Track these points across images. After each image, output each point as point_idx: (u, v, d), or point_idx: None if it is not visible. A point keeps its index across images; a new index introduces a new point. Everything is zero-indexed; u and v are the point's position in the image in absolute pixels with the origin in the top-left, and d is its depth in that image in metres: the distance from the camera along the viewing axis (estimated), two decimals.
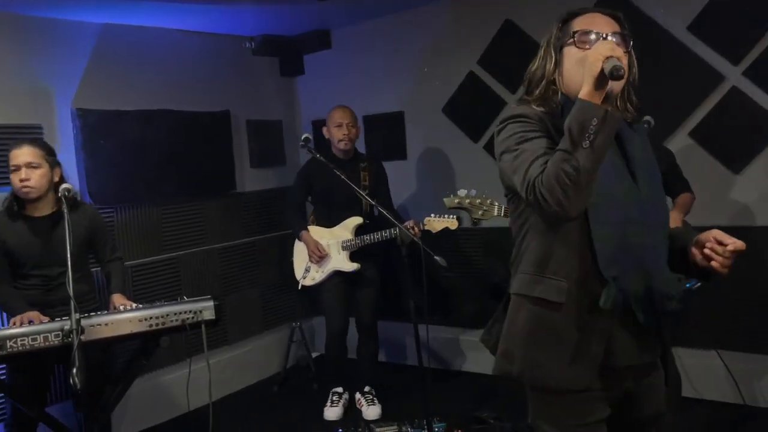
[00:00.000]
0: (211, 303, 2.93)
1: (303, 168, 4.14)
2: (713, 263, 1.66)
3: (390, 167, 4.28)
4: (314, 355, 4.98)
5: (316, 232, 4.00)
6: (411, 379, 4.38)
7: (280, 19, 4.51)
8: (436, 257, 3.11)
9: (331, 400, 4.08)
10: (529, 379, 1.80)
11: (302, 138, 3.55)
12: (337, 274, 3.94)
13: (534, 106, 1.78)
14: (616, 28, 1.74)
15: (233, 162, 4.72)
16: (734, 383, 3.51)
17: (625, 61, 1.57)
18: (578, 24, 1.75)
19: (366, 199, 3.50)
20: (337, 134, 3.92)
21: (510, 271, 1.89)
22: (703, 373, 3.75)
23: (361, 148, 4.66)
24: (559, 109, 1.75)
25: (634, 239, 1.70)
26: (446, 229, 3.67)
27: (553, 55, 1.77)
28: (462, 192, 3.22)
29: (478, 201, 3.17)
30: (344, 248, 3.92)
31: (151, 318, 2.81)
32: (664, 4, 3.75)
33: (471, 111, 4.48)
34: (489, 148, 4.42)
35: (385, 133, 4.82)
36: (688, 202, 3.27)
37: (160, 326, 2.83)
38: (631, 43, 1.74)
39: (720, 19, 3.60)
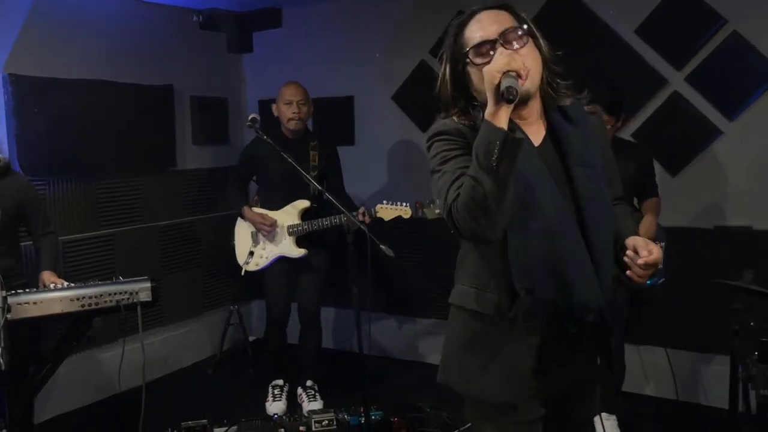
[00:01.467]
0: (148, 284, 2.84)
1: (247, 147, 4.00)
2: (628, 272, 1.64)
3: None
4: (251, 339, 4.91)
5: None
6: (353, 367, 4.37)
7: None
8: (381, 246, 3.09)
9: (273, 394, 3.94)
10: (462, 389, 1.80)
11: (249, 118, 3.45)
12: (282, 260, 3.79)
13: (456, 119, 1.72)
14: (506, 20, 1.65)
15: (174, 138, 4.58)
16: (673, 380, 3.63)
17: (522, 66, 1.53)
18: (469, 33, 1.67)
19: (313, 184, 3.40)
20: (287, 112, 3.73)
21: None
22: (648, 369, 3.89)
23: None
24: (482, 119, 1.66)
25: (556, 250, 1.63)
26: (399, 218, 3.57)
27: (454, 73, 1.70)
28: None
29: None
30: (291, 233, 3.76)
31: (83, 298, 2.70)
32: (615, 6, 3.83)
33: (421, 100, 4.45)
34: None
35: (334, 118, 4.76)
36: (656, 205, 3.33)
37: (93, 307, 2.72)
38: (527, 27, 1.65)
39: (666, 25, 3.71)
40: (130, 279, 2.85)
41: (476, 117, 1.68)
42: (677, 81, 3.73)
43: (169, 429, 3.37)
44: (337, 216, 3.55)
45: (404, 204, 3.58)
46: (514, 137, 1.48)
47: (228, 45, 5.04)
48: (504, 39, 1.63)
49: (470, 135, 1.65)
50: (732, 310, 2.56)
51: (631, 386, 3.82)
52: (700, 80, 3.67)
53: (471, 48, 1.65)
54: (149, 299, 2.83)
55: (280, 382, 3.99)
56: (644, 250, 1.61)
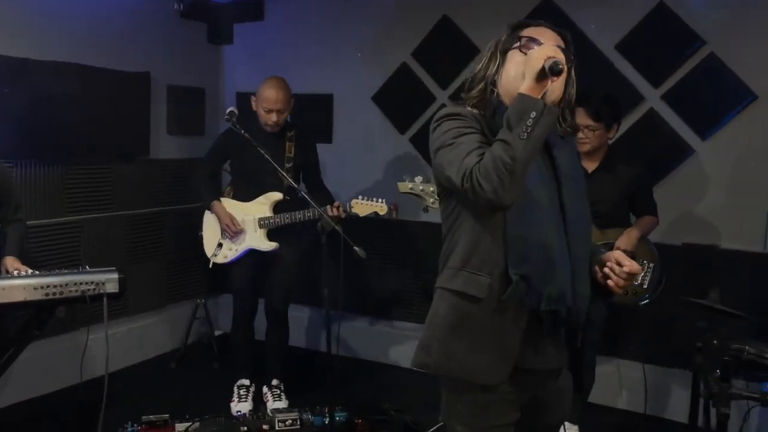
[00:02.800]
0: (115, 275, 2.76)
1: (221, 136, 3.88)
2: (609, 282, 1.77)
3: None
4: (217, 333, 4.85)
5: (231, 206, 3.72)
6: (320, 366, 4.35)
7: None
8: (355, 247, 3.07)
9: (239, 394, 3.84)
10: (444, 370, 1.81)
11: (227, 111, 3.40)
12: (252, 253, 3.71)
13: (468, 107, 1.82)
14: (561, 44, 1.80)
15: (149, 126, 4.50)
16: (645, 394, 3.68)
17: (564, 60, 1.62)
18: (527, 33, 1.81)
19: (288, 181, 3.37)
20: (266, 119, 3.59)
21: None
22: (623, 383, 3.94)
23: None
24: (492, 112, 1.79)
25: (553, 244, 1.73)
26: (376, 220, 3.54)
27: (498, 57, 1.82)
28: (418, 178, 3.18)
29: (431, 189, 3.15)
30: (261, 226, 3.67)
31: (48, 286, 2.62)
32: (596, 21, 3.87)
33: (401, 102, 4.47)
34: (415, 140, 4.43)
35: (312, 114, 4.73)
36: (648, 223, 3.32)
37: (57, 296, 2.64)
38: (573, 62, 1.79)
39: (646, 43, 3.76)
40: (97, 269, 2.78)
41: (490, 104, 1.79)
42: (654, 98, 3.78)
43: (130, 422, 3.31)
44: (310, 210, 3.48)
45: (380, 200, 3.53)
46: (551, 107, 1.62)
47: (208, 35, 4.98)
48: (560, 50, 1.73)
49: (483, 122, 1.77)
50: (697, 328, 2.60)
51: (605, 399, 3.89)
52: (676, 99, 3.73)
53: (525, 36, 1.79)
54: (116, 290, 2.76)
55: (246, 382, 3.90)
56: (627, 261, 1.75)
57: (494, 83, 1.81)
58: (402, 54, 4.43)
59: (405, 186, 3.19)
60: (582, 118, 3.15)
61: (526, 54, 1.72)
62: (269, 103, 3.58)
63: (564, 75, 1.64)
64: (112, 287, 2.75)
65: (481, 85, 1.82)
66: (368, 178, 4.58)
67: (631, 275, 1.73)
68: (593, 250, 1.90)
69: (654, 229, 3.36)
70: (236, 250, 3.73)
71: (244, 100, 4.02)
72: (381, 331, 4.66)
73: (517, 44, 1.78)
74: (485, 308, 1.74)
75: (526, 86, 1.61)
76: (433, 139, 1.80)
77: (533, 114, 1.57)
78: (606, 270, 1.77)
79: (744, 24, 3.53)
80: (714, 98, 3.63)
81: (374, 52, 4.52)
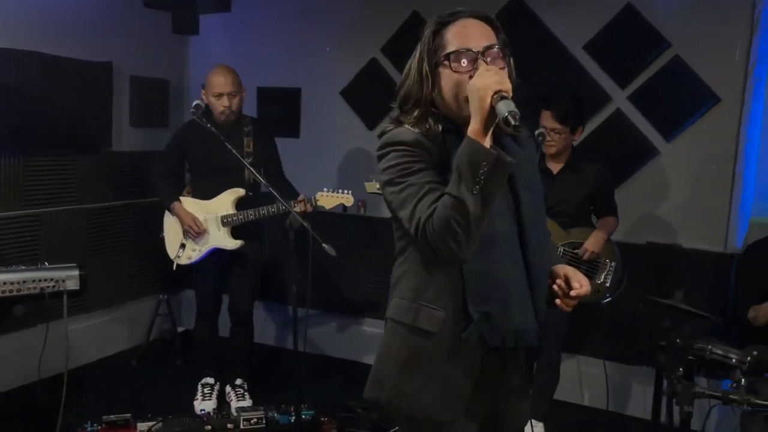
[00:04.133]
0: (76, 272, 2.69)
1: (179, 131, 3.76)
2: (557, 301, 1.73)
3: (280, 143, 4.13)
4: (180, 329, 4.77)
5: (191, 205, 3.62)
6: (287, 364, 4.30)
7: None
8: (324, 245, 3.04)
9: (203, 393, 3.78)
10: (396, 406, 1.76)
11: (193, 104, 3.35)
12: (216, 252, 3.62)
13: (410, 127, 1.67)
14: (491, 36, 1.65)
15: (111, 118, 4.39)
16: (606, 390, 3.73)
17: (510, 89, 1.50)
18: (451, 36, 1.64)
19: (254, 175, 3.30)
20: (217, 105, 3.48)
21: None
22: (585, 380, 4.01)
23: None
24: (440, 132, 1.65)
25: (510, 276, 1.66)
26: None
27: (428, 73, 1.65)
28: None
29: None
30: (225, 224, 3.57)
31: (5, 283, 2.54)
32: (566, 20, 3.89)
33: (369, 98, 4.44)
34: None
35: (280, 108, 4.67)
36: (611, 224, 3.36)
37: (15, 293, 2.57)
38: (509, 50, 1.66)
39: (613, 44, 3.80)
40: (56, 265, 2.70)
41: (432, 127, 1.65)
42: (620, 99, 3.83)
43: (90, 422, 3.23)
44: (274, 205, 3.40)
45: (346, 191, 3.47)
46: (504, 159, 1.47)
47: (173, 25, 4.87)
48: (488, 55, 1.62)
49: (431, 146, 1.63)
50: (660, 327, 2.65)
51: (569, 396, 3.95)
52: (642, 100, 3.78)
53: (451, 52, 1.62)
54: (76, 288, 2.69)
55: (211, 380, 3.84)
56: (575, 281, 1.70)
57: (432, 102, 1.68)
58: (371, 49, 4.40)
59: (372, 186, 3.17)
60: (548, 120, 3.19)
61: (457, 72, 1.60)
62: (219, 87, 3.48)
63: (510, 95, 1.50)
64: (72, 284, 2.69)
65: (417, 111, 1.67)
66: (336, 174, 4.55)
67: (580, 297, 1.70)
68: (551, 257, 1.86)
69: (616, 229, 3.41)
70: (200, 250, 3.64)
71: None
72: (349, 329, 4.63)
73: (447, 63, 1.62)
74: (438, 343, 1.67)
75: (473, 129, 1.49)
76: (381, 169, 1.68)
77: (485, 166, 1.45)
78: (554, 288, 1.73)
79: (708, 28, 3.59)
80: (678, 100, 3.69)
81: (343, 46, 4.47)
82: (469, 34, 1.63)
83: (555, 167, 3.33)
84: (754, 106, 3.52)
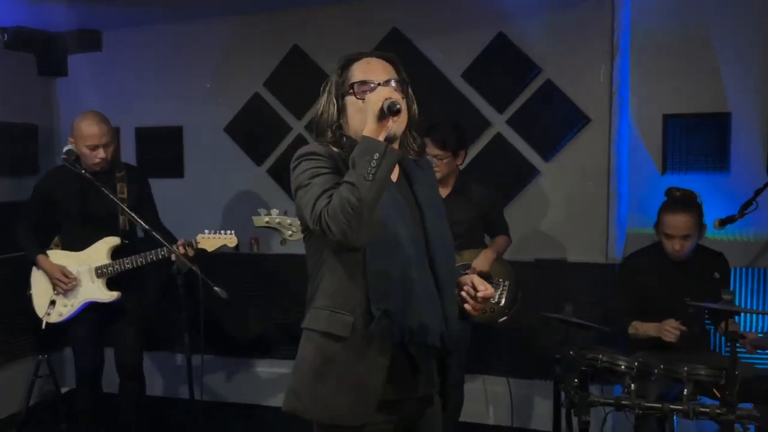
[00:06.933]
0: None
1: (43, 179, 3.50)
2: (466, 305, 1.88)
3: (164, 185, 3.97)
4: (64, 390, 4.42)
5: (61, 257, 3.38)
6: (182, 415, 4.08)
7: (40, 11, 3.97)
8: (216, 288, 2.92)
9: None
10: (312, 414, 1.84)
11: (64, 150, 3.14)
12: (92, 307, 3.36)
13: (327, 145, 1.87)
14: (392, 73, 1.87)
15: None
16: (511, 407, 3.78)
17: (403, 104, 1.71)
18: (357, 70, 1.86)
19: (135, 219, 3.12)
20: (93, 157, 3.26)
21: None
22: (490, 398, 4.04)
23: (133, 162, 4.31)
24: (348, 149, 1.82)
25: (414, 277, 1.78)
26: (224, 247, 3.31)
27: (336, 102, 1.88)
28: (274, 211, 3.07)
29: (288, 222, 3.05)
30: (99, 275, 3.33)
31: None
32: (443, 50, 4.02)
33: (255, 133, 4.37)
34: (273, 172, 4.34)
35: (161, 148, 4.50)
36: (502, 243, 3.46)
37: None
38: (409, 88, 1.89)
39: (489, 71, 3.95)
40: None
41: (345, 145, 1.84)
42: (500, 123, 3.97)
43: None
44: (152, 252, 3.23)
45: (229, 232, 3.33)
46: (393, 148, 1.69)
47: (39, 67, 4.60)
48: (387, 85, 1.83)
49: (340, 160, 1.81)
50: (555, 340, 2.74)
51: (474, 416, 3.97)
52: (520, 123, 3.94)
53: (356, 82, 1.84)
54: None
55: None
56: (481, 285, 1.85)
57: (341, 127, 1.87)
58: (254, 84, 4.34)
59: (260, 220, 3.09)
60: (430, 148, 3.28)
61: (363, 100, 1.78)
62: (94, 138, 3.26)
63: (404, 112, 1.72)
64: None
65: (329, 133, 1.87)
66: (224, 214, 4.42)
67: (486, 299, 1.85)
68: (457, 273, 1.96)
69: (508, 248, 3.51)
70: (72, 305, 3.38)
71: None
72: (246, 372, 4.47)
73: (352, 92, 1.84)
74: (349, 347, 1.78)
75: (368, 129, 1.69)
76: (293, 178, 1.84)
77: (376, 155, 1.64)
78: (463, 294, 1.87)
79: (574, 53, 3.81)
80: (553, 122, 3.88)
81: (224, 82, 4.39)
82: (372, 69, 1.86)
83: (444, 192, 3.39)
84: (621, 124, 3.76)
